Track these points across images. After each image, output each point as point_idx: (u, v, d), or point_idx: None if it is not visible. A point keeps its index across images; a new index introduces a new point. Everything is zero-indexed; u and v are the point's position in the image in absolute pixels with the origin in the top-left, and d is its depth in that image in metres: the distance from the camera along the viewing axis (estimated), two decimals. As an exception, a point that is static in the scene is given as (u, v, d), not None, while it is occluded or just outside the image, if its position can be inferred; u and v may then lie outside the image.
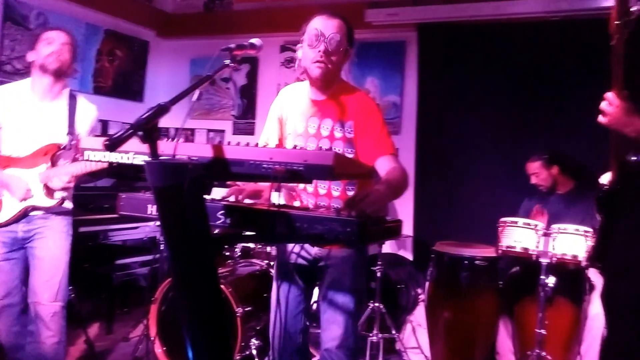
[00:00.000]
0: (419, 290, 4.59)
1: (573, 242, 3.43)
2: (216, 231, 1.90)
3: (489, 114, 4.79)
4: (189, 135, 6.30)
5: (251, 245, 4.27)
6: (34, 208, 2.99)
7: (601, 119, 2.19)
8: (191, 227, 1.54)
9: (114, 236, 4.87)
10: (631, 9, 2.02)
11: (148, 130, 1.48)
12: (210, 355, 1.62)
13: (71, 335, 4.20)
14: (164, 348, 3.69)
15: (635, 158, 2.36)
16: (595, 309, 3.48)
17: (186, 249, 1.56)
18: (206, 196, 1.62)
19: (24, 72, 4.35)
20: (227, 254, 4.29)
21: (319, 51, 2.33)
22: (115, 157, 1.75)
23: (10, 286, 3.04)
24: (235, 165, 1.60)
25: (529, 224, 3.58)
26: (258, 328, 3.72)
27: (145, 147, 1.51)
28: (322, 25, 2.34)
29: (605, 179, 2.49)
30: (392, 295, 4.64)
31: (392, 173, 2.24)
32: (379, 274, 4.15)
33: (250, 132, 6.03)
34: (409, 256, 5.04)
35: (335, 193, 2.43)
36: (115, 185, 5.18)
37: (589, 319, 3.61)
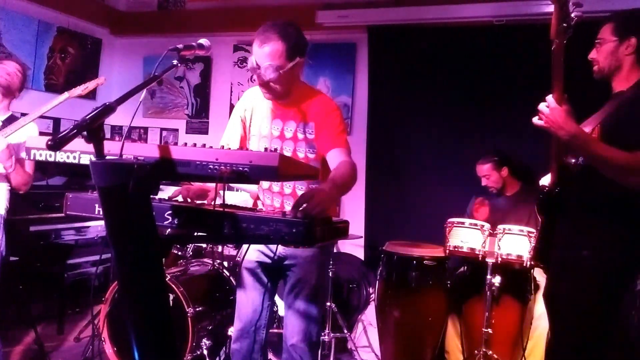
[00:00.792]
0: (371, 290, 4.64)
1: (518, 242, 3.53)
2: (167, 231, 1.91)
3: (438, 115, 4.87)
4: (142, 133, 6.22)
5: (203, 245, 4.25)
6: None
7: (536, 120, 2.25)
8: (136, 228, 1.54)
9: (65, 235, 4.77)
10: (571, 15, 2.08)
11: (93, 130, 1.46)
12: (156, 357, 1.62)
13: (21, 335, 4.13)
14: (115, 348, 3.65)
15: (574, 160, 2.44)
16: (541, 309, 3.52)
17: (132, 249, 1.56)
18: (155, 196, 1.62)
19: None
20: (179, 253, 4.27)
21: (259, 83, 2.38)
22: (60, 157, 1.73)
23: None
24: (181, 165, 1.61)
25: (475, 225, 3.66)
26: (210, 328, 3.70)
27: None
28: (257, 55, 2.32)
29: (546, 180, 2.57)
30: (343, 295, 4.69)
31: (339, 169, 2.28)
32: (330, 274, 4.16)
33: (204, 131, 5.99)
34: (361, 256, 5.08)
35: (300, 192, 2.46)
36: (67, 183, 5.08)
37: (535, 318, 3.69)
